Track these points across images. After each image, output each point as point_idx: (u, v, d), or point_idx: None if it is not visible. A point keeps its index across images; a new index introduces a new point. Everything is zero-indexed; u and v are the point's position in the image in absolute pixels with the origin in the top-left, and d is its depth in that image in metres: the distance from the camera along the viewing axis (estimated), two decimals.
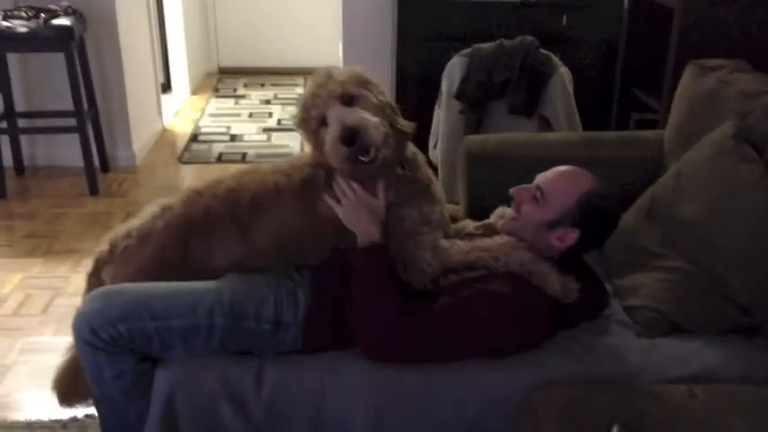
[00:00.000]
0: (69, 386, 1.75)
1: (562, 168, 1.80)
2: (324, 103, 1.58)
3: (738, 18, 2.62)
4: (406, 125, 1.68)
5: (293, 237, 1.71)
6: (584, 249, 1.79)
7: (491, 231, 1.86)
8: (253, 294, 1.63)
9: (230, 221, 1.68)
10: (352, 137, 1.52)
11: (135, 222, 1.73)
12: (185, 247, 1.68)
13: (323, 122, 1.59)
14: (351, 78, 1.61)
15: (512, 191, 1.80)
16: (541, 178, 1.79)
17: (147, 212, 1.73)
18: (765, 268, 1.66)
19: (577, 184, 1.75)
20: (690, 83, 2.21)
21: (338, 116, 1.55)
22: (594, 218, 1.73)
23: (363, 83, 1.63)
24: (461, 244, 1.71)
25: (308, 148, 1.71)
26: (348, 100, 1.58)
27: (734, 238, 1.70)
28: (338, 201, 1.67)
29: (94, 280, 1.72)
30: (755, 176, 1.73)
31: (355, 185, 1.66)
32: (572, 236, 1.72)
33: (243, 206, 1.69)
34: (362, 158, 1.56)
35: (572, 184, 1.75)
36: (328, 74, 1.61)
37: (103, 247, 1.72)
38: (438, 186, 1.80)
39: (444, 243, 1.70)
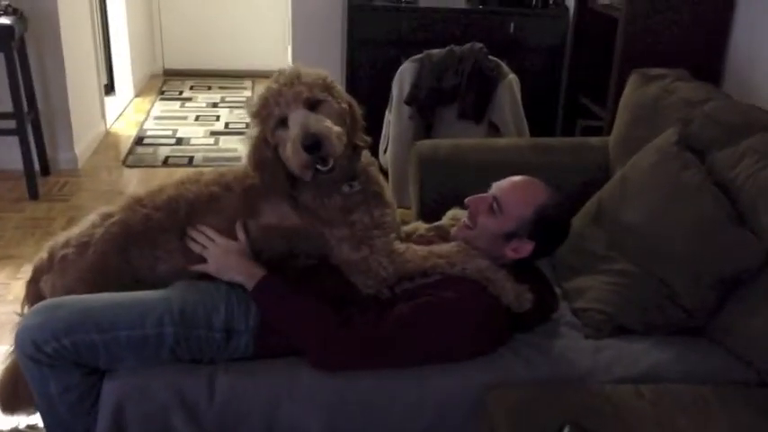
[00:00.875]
0: (10, 393, 1.70)
1: (518, 179, 1.80)
2: (288, 103, 1.55)
3: (680, 29, 2.71)
4: (363, 140, 1.67)
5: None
6: (536, 258, 1.81)
7: (443, 233, 1.88)
8: (203, 302, 1.60)
9: (170, 231, 1.65)
10: (315, 144, 1.50)
11: (74, 231, 1.69)
12: (125, 255, 1.64)
13: (283, 122, 1.56)
14: (318, 82, 1.58)
15: (467, 200, 1.80)
16: (497, 189, 1.78)
17: (88, 221, 1.69)
18: (705, 271, 1.72)
19: (534, 195, 1.75)
20: (633, 91, 2.28)
21: (302, 121, 1.52)
22: (549, 229, 1.75)
23: (329, 88, 1.61)
24: (417, 249, 1.71)
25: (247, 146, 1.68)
26: (312, 104, 1.56)
27: (676, 241, 1.76)
28: (202, 257, 1.65)
29: (33, 288, 1.68)
30: (697, 182, 1.80)
31: (210, 233, 1.65)
32: (527, 248, 1.74)
33: (183, 216, 1.66)
34: (321, 168, 1.54)
35: (528, 195, 1.75)
36: (296, 73, 1.57)
37: (42, 254, 1.67)
38: (389, 191, 1.79)
39: (400, 247, 1.70)
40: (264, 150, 1.60)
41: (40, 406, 1.58)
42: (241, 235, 1.66)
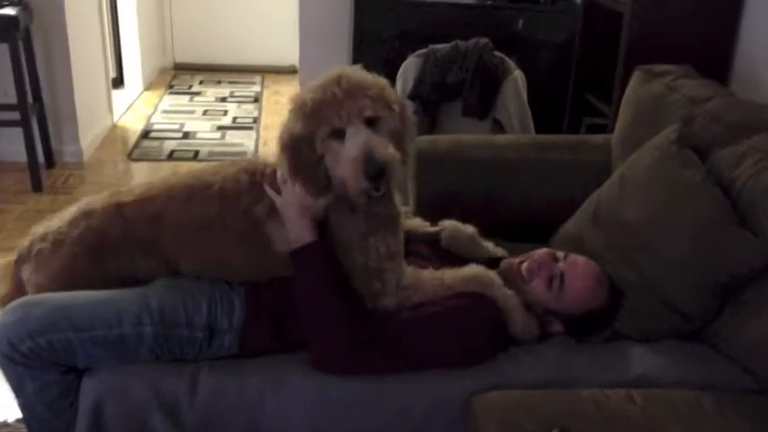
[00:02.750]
0: None
1: (594, 269, 1.74)
2: (349, 117, 1.44)
3: (685, 24, 2.65)
4: (407, 153, 1.57)
5: (228, 268, 1.63)
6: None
7: (434, 241, 1.86)
8: (183, 301, 1.56)
9: (150, 254, 1.60)
10: (379, 173, 1.41)
11: (53, 223, 1.64)
12: (99, 260, 1.59)
13: (338, 133, 1.45)
14: (381, 96, 1.48)
15: (536, 255, 1.75)
16: (570, 267, 1.73)
17: (68, 213, 1.64)
18: (704, 274, 1.66)
19: (596, 296, 1.72)
20: (637, 88, 2.23)
21: (365, 144, 1.42)
22: (584, 327, 1.73)
23: (388, 102, 1.49)
24: (427, 280, 1.64)
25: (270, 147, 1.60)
26: (371, 120, 1.46)
27: (674, 243, 1.71)
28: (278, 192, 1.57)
29: (17, 270, 1.65)
30: (696, 182, 1.74)
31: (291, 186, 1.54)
32: (555, 328, 1.73)
33: (168, 242, 1.59)
34: (374, 193, 1.46)
35: (593, 294, 1.72)
36: (361, 84, 1.46)
37: (25, 241, 1.65)
38: (403, 217, 1.73)
39: (409, 279, 1.62)
40: (307, 154, 1.49)
41: (19, 404, 1.56)
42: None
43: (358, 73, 1.50)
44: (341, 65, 1.55)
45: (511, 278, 1.73)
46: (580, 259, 1.76)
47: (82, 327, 1.49)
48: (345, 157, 1.44)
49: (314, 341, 1.55)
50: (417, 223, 1.98)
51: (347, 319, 1.54)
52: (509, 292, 1.66)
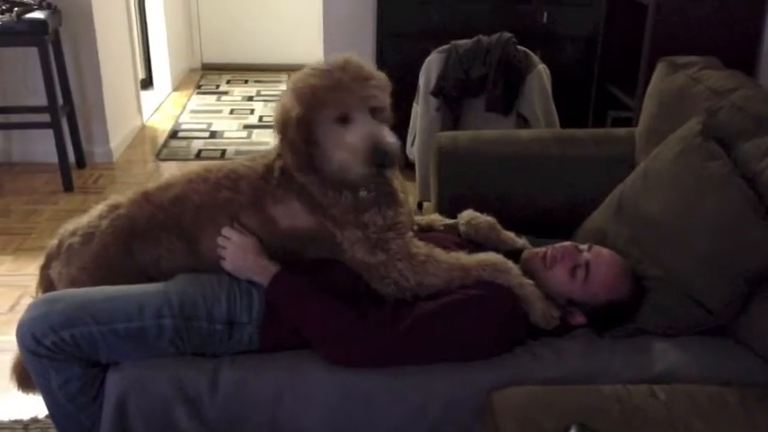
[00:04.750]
0: (27, 372, 1.70)
1: (618, 260, 1.74)
2: (356, 104, 1.50)
3: (711, 15, 2.61)
4: None
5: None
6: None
7: (454, 233, 1.84)
8: (203, 294, 1.59)
9: (175, 232, 1.64)
10: (383, 160, 1.50)
11: (83, 220, 1.70)
12: (128, 249, 1.64)
13: (342, 120, 1.52)
14: (385, 87, 1.56)
15: (560, 245, 1.75)
16: (595, 257, 1.72)
17: (96, 210, 1.70)
18: (729, 268, 1.63)
19: (620, 286, 1.71)
20: (660, 80, 2.19)
21: (373, 133, 1.50)
22: (607, 317, 1.71)
23: (387, 94, 1.59)
24: (441, 257, 1.63)
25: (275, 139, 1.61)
26: (374, 109, 1.53)
27: (699, 237, 1.68)
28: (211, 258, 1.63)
29: (45, 274, 1.71)
30: (722, 174, 1.71)
31: (227, 231, 1.60)
32: (578, 320, 1.71)
33: (189, 216, 1.63)
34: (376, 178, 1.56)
35: (617, 284, 1.71)
36: (367, 73, 1.53)
37: (53, 241, 1.69)
38: (401, 192, 1.74)
39: (420, 252, 1.62)
40: (301, 132, 1.54)
41: (44, 399, 1.60)
42: (246, 233, 1.62)
43: (362, 61, 1.56)
44: (343, 54, 1.57)
45: (533, 268, 1.72)
46: (604, 250, 1.75)
47: (103, 320, 1.52)
48: (352, 143, 1.50)
49: (325, 347, 1.56)
50: (436, 218, 1.98)
51: (348, 316, 1.55)
52: (527, 280, 1.64)
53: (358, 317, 1.56)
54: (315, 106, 1.52)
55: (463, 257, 1.65)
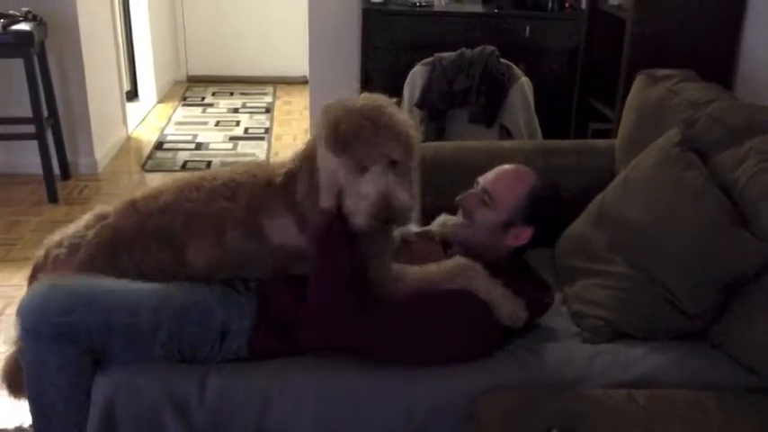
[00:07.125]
0: (17, 375, 1.68)
1: (503, 168, 1.84)
2: (375, 156, 1.46)
3: (688, 29, 2.67)
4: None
5: (234, 264, 1.65)
6: (538, 244, 1.83)
7: (428, 239, 1.88)
8: (200, 300, 1.60)
9: (163, 242, 1.63)
10: (390, 216, 1.47)
11: (69, 230, 1.70)
12: (115, 259, 1.63)
13: (363, 168, 1.48)
14: (408, 142, 1.50)
15: (459, 199, 1.82)
16: (486, 181, 1.82)
17: (83, 220, 1.70)
18: (707, 273, 1.68)
19: (522, 180, 1.80)
20: (639, 92, 2.25)
21: (385, 188, 1.45)
22: (544, 211, 1.78)
23: (413, 147, 1.53)
24: (411, 273, 1.65)
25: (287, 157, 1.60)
26: (395, 162, 1.48)
27: (677, 243, 1.72)
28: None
29: (32, 282, 1.70)
30: (699, 184, 1.76)
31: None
32: (527, 233, 1.78)
33: (179, 226, 1.62)
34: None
35: (517, 181, 1.79)
36: (395, 126, 1.48)
37: (40, 252, 1.69)
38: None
39: (393, 274, 1.64)
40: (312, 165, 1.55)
41: (33, 395, 1.57)
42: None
43: (394, 110, 1.52)
44: (377, 96, 1.55)
45: (468, 240, 1.79)
46: (488, 173, 1.84)
47: (101, 310, 1.53)
48: (363, 194, 1.47)
49: (322, 306, 1.56)
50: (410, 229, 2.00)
51: (359, 295, 1.57)
52: (493, 281, 1.64)
53: (363, 300, 1.57)
54: (339, 151, 1.49)
55: (431, 269, 1.67)
